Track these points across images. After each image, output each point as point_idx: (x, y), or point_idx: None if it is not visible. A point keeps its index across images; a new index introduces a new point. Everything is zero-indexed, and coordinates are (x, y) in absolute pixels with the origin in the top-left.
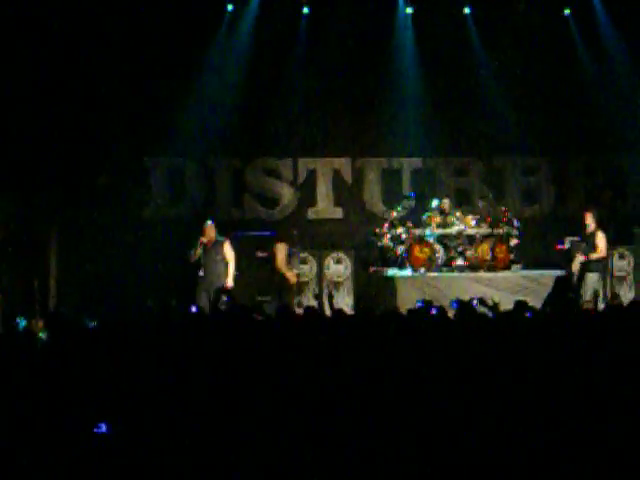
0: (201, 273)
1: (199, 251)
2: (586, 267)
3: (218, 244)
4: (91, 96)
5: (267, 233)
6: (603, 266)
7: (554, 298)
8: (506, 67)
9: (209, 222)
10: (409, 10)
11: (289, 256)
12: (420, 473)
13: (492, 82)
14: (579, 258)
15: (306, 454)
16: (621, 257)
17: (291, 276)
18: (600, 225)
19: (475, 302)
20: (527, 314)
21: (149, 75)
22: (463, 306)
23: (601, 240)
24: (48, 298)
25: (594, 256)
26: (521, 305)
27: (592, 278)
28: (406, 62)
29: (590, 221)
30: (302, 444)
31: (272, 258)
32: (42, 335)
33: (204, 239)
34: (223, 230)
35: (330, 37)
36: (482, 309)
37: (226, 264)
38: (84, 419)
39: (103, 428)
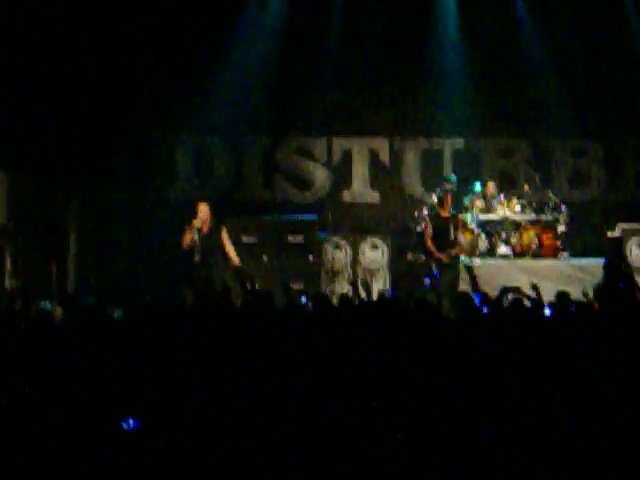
0: (197, 259)
1: (193, 236)
2: None
3: (215, 229)
4: (112, 69)
5: (306, 216)
6: None
7: (604, 288)
8: (556, 42)
9: (205, 204)
10: None
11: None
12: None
13: (540, 58)
14: None
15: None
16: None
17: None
18: None
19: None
20: (570, 307)
21: (175, 48)
22: (487, 300)
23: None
24: (66, 282)
25: None
26: (563, 297)
27: None
28: (449, 36)
29: None
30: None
31: None
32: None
33: (198, 223)
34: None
35: (368, 8)
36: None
37: (223, 249)
38: (110, 413)
39: (131, 423)
